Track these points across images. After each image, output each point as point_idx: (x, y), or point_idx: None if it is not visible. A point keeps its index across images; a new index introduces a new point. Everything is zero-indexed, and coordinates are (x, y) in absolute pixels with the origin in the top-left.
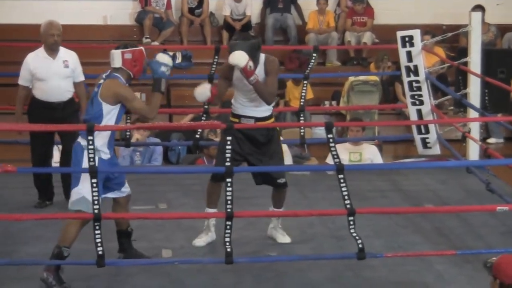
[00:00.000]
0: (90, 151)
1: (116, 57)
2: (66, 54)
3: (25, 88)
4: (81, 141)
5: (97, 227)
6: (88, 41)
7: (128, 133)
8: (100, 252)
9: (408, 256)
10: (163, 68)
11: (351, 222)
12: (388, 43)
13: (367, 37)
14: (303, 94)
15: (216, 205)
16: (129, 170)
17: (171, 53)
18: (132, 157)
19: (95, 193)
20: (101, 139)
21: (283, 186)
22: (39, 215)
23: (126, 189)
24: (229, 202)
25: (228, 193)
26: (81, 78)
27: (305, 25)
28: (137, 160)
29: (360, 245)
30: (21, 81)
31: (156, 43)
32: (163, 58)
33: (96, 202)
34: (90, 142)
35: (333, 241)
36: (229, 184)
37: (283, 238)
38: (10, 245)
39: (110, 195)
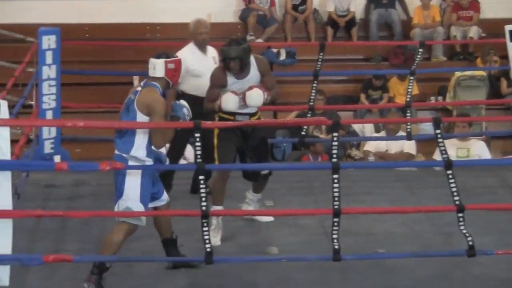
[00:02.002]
0: (197, 148)
1: (159, 66)
2: (213, 51)
3: (177, 84)
4: (122, 153)
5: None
6: None
7: None
8: (208, 249)
9: None
10: (185, 110)
11: (461, 219)
12: (496, 37)
13: (473, 31)
14: (409, 90)
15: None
16: (236, 167)
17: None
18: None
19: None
20: (141, 150)
21: (268, 176)
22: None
23: (165, 197)
24: (336, 198)
25: (335, 189)
26: None
27: (410, 20)
28: None
29: (470, 242)
30: None
31: (260, 40)
32: (186, 104)
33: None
34: (198, 139)
35: (441, 238)
36: (336, 181)
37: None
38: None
39: (152, 204)
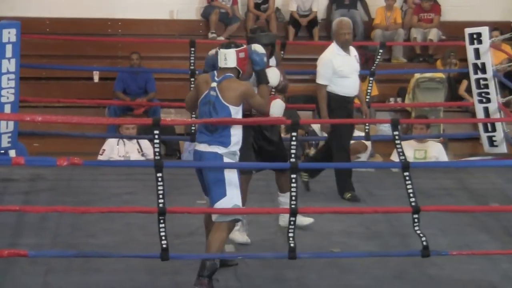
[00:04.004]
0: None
1: (231, 57)
2: (354, 50)
3: (325, 87)
4: (217, 149)
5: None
6: (154, 36)
7: (193, 128)
8: (164, 246)
9: (473, 254)
10: (264, 59)
11: (416, 220)
12: (455, 40)
13: (433, 34)
14: (368, 90)
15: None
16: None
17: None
18: None
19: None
20: (237, 144)
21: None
22: (106, 208)
23: None
24: (293, 198)
25: (293, 189)
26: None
27: (371, 21)
28: None
29: (425, 243)
30: (322, 80)
31: (222, 38)
32: (260, 49)
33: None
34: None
35: (398, 239)
36: (293, 180)
37: (306, 220)
38: (77, 237)
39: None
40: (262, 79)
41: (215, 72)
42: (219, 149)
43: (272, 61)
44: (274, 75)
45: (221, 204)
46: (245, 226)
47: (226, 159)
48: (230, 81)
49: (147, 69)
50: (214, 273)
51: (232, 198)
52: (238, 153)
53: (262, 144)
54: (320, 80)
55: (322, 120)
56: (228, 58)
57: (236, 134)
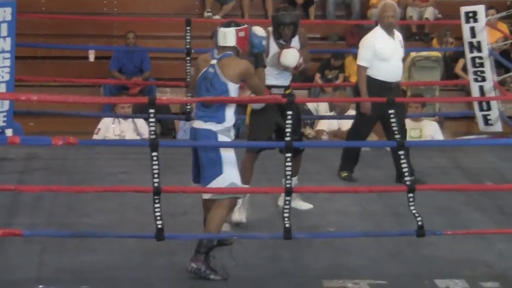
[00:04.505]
0: (151, 124)
1: (230, 36)
2: (399, 35)
3: (366, 69)
4: (211, 126)
5: (157, 201)
6: (149, 15)
7: (188, 107)
8: (159, 226)
9: (468, 233)
10: (263, 42)
11: (411, 199)
12: (451, 18)
13: (429, 13)
14: None
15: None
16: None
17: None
18: None
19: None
20: (230, 121)
21: (300, 152)
22: (101, 187)
23: None
24: (288, 177)
25: (288, 168)
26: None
27: (368, 0)
28: None
29: (420, 222)
30: (362, 62)
31: (217, 17)
32: (261, 31)
33: None
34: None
35: (392, 218)
36: (289, 159)
37: (305, 205)
38: (72, 217)
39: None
40: (259, 62)
41: (215, 50)
42: (214, 126)
43: (295, 41)
44: (292, 57)
45: (217, 182)
46: (246, 204)
47: (221, 137)
48: (230, 59)
49: (143, 48)
50: (211, 250)
51: (229, 175)
52: (233, 129)
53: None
54: (360, 61)
55: (316, 99)
56: (228, 36)
57: (231, 110)
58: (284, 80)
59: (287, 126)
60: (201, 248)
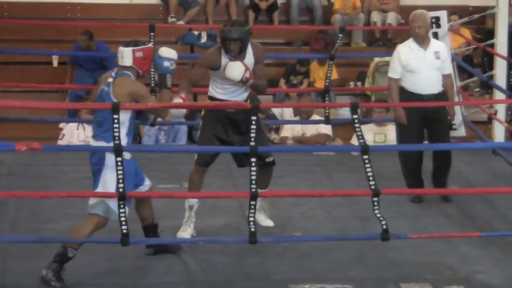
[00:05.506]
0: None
1: (127, 55)
2: (438, 46)
3: (397, 81)
4: (101, 145)
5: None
6: (113, 20)
7: None
8: (124, 231)
9: (432, 237)
10: (166, 63)
11: (376, 203)
12: None
13: (392, 18)
14: (328, 74)
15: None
16: (155, 149)
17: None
18: (157, 136)
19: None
20: (122, 141)
21: (272, 164)
22: (66, 192)
23: (147, 182)
24: (253, 182)
25: (252, 173)
26: (449, 70)
27: (331, 5)
28: (161, 139)
29: (384, 226)
30: (391, 73)
31: (181, 22)
32: (167, 53)
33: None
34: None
35: (358, 222)
36: (253, 164)
37: (266, 221)
38: (36, 223)
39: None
40: (162, 83)
41: (116, 69)
42: (104, 145)
43: (249, 56)
44: (236, 69)
45: (90, 199)
46: (191, 220)
47: (109, 156)
48: (123, 78)
49: (106, 53)
50: (67, 261)
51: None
52: (126, 152)
53: (233, 138)
54: (389, 73)
55: (281, 104)
56: (125, 56)
57: (123, 130)
58: (238, 95)
59: (252, 131)
60: (56, 256)
